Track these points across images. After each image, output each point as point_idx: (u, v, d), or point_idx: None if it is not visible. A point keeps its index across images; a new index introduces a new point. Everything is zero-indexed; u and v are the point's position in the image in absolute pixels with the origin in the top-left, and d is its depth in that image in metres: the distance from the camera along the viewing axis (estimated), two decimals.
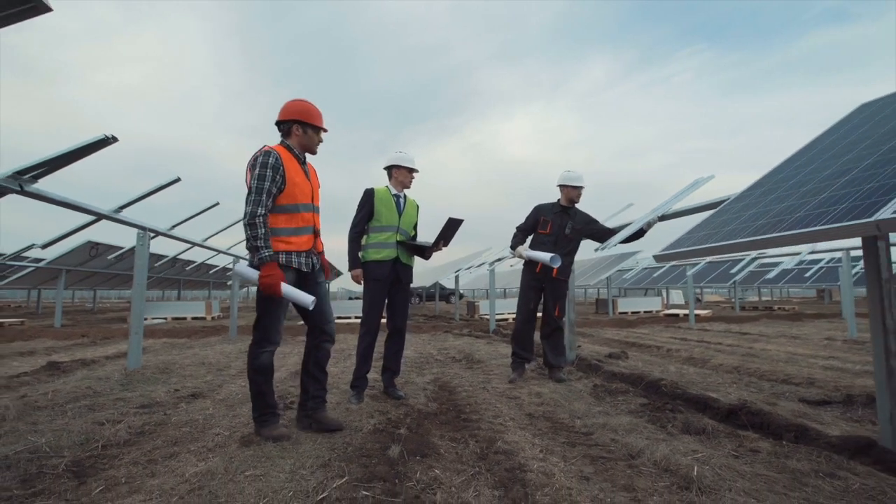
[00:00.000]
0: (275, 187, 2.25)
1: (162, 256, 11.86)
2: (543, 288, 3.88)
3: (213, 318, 12.20)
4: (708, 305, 19.85)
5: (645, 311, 13.49)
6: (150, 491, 1.70)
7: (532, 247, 3.91)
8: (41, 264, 9.31)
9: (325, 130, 2.48)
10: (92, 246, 9.86)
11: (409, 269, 3.27)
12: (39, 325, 9.90)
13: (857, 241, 6.92)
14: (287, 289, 2.20)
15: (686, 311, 11.41)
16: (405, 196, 3.29)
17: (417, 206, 3.39)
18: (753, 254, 12.00)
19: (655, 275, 15.39)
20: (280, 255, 2.29)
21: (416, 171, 3.27)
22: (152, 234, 4.61)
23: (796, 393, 3.18)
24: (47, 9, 1.95)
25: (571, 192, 3.86)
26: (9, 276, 9.85)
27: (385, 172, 3.31)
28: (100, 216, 3.66)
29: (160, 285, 18.47)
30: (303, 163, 2.44)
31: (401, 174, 3.24)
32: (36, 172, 2.77)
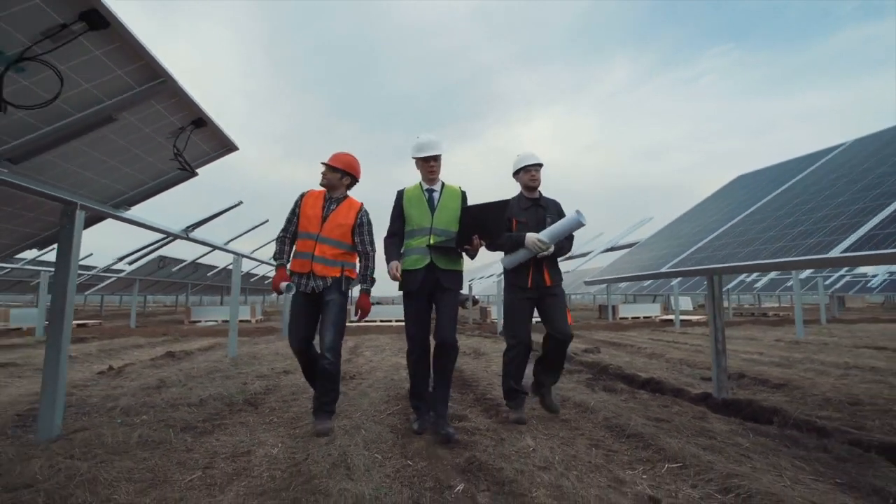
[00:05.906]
0: (294, 217, 2.99)
1: (212, 267, 13.64)
2: (539, 299, 3.00)
3: (256, 320, 13.89)
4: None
5: (644, 317, 14.68)
6: (295, 410, 3.18)
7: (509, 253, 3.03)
8: (122, 275, 11.13)
9: (335, 168, 2.88)
10: (160, 259, 11.65)
11: (452, 273, 2.79)
12: (115, 326, 11.72)
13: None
14: (282, 286, 2.87)
15: (684, 317, 12.62)
16: (442, 187, 2.88)
17: (462, 193, 2.90)
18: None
19: (646, 283, 16.56)
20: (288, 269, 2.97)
21: (433, 157, 2.80)
22: (210, 248, 6.06)
23: (703, 374, 4.51)
24: (236, 148, 3.49)
25: (524, 176, 3.08)
26: (95, 285, 11.72)
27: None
28: (175, 236, 4.47)
29: (208, 291, 20.39)
30: (328, 199, 2.95)
31: (419, 166, 2.88)
32: (130, 201, 4.13)
